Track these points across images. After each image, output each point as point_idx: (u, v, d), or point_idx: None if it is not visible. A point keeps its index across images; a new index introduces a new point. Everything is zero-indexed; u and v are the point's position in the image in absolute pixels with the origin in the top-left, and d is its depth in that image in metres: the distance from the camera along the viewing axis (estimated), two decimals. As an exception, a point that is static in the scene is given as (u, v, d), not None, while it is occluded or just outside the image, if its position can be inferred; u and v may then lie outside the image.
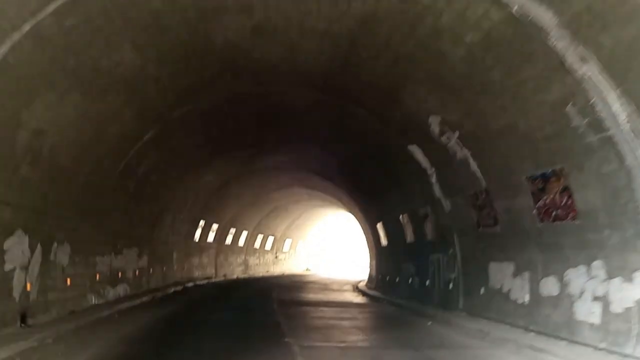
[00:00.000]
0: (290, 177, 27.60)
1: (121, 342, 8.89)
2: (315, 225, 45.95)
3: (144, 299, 15.54)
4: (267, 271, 39.20)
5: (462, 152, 11.76)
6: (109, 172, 12.86)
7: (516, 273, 10.73)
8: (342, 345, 9.12)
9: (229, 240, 31.72)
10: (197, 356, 7.89)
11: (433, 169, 13.76)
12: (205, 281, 25.50)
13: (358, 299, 20.27)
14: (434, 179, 13.94)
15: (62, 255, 10.97)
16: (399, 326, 12.01)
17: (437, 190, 14.06)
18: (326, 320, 12.56)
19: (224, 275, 30.51)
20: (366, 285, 27.60)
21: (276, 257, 41.14)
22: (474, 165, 11.64)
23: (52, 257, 10.51)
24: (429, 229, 15.66)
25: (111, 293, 14.23)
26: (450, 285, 13.97)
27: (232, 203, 28.78)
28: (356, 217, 28.83)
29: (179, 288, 20.34)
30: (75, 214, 11.63)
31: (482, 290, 12.12)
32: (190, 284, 22.57)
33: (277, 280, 31.85)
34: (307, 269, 46.20)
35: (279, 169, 25.12)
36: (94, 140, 10.99)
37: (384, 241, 21.81)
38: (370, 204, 22.16)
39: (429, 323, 12.35)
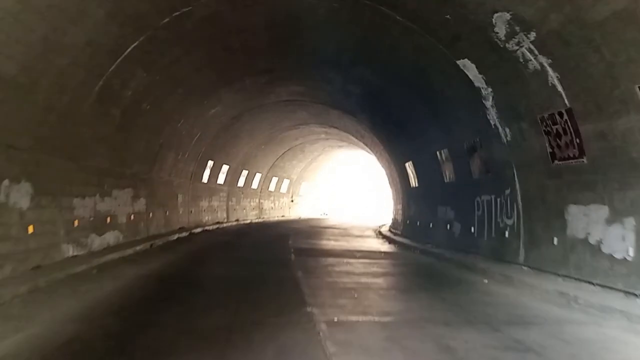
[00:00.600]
0: (307, 114, 24.73)
1: (75, 317, 6.29)
2: (333, 168, 43.36)
3: (139, 248, 13.19)
4: (283, 216, 37.03)
5: (537, 62, 8.79)
6: (81, 93, 10.13)
7: (612, 219, 7.99)
8: (386, 320, 6.57)
9: (241, 182, 29.31)
10: (181, 341, 5.42)
11: (489, 89, 10.81)
12: (215, 226, 23.25)
13: (385, 246, 17.82)
14: (489, 102, 11.01)
15: (17, 196, 8.44)
16: (448, 285, 9.45)
17: (493, 116, 11.17)
18: (355, 277, 10.07)
19: (237, 220, 28.30)
20: (389, 230, 25.19)
21: (292, 200, 38.87)
22: (552, 78, 8.69)
23: (1, 198, 8.01)
24: (476, 165, 12.88)
25: (97, 242, 11.86)
26: (506, 233, 11.32)
27: (243, 142, 26.13)
28: (379, 157, 26.09)
29: (184, 234, 18.04)
30: (36, 145, 9.04)
31: (555, 241, 9.43)
32: (197, 230, 20.30)
33: (293, 225, 29.60)
34: (324, 213, 44.04)
35: (295, 103, 22.22)
36: (50, 43, 8.22)
37: (413, 182, 19.12)
38: (398, 141, 19.33)
39: (485, 281, 9.81)
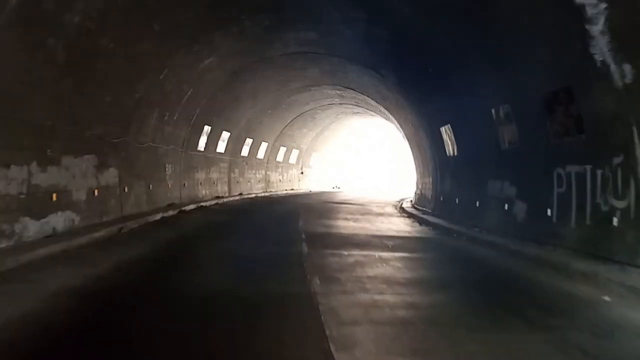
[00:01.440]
0: (319, 72, 21.00)
1: None
2: (347, 137, 39.69)
3: (99, 234, 9.79)
4: (292, 189, 33.62)
5: None
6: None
7: None
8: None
9: (245, 151, 25.81)
10: None
11: (602, 5, 7.13)
12: (213, 202, 19.85)
13: (417, 229, 14.33)
14: (598, 26, 7.29)
15: None
16: (550, 307, 5.89)
17: (600, 48, 7.45)
18: (400, 287, 6.61)
19: (240, 194, 24.91)
20: (414, 207, 21.71)
21: (301, 172, 35.40)
22: None
23: None
24: (558, 123, 9.22)
25: (32, 229, 8.45)
26: (615, 220, 7.78)
27: (246, 106, 22.52)
28: (403, 123, 22.41)
29: (171, 213, 14.65)
30: None
31: None
32: (191, 207, 16.91)
33: (304, 200, 26.14)
34: (336, 187, 40.57)
35: (305, 56, 18.49)
36: None
37: (451, 150, 15.50)
38: (433, 100, 15.62)
39: (607, 299, 6.31)
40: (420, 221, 16.05)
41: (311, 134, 34.01)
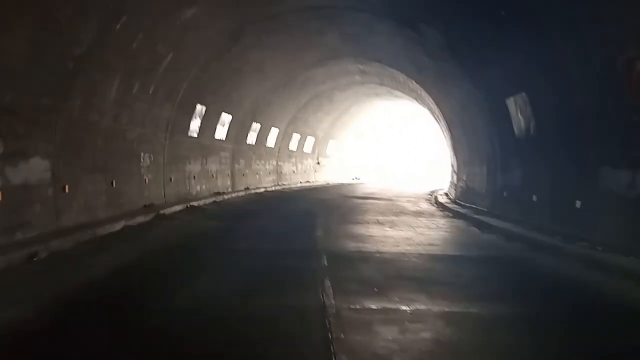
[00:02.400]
0: (339, 37, 16.73)
1: None
2: (367, 123, 35.37)
3: (-19, 268, 5.85)
4: (307, 181, 29.49)
5: None
6: None
7: None
8: None
9: (251, 139, 21.71)
10: None
11: None
12: (209, 200, 15.79)
13: (481, 239, 10.08)
14: None
15: None
16: None
17: None
18: None
19: (246, 189, 20.84)
20: (456, 202, 17.48)
21: (317, 162, 31.25)
22: None
23: None
24: None
25: None
26: None
27: (251, 82, 18.38)
28: (440, 100, 18.08)
29: (141, 220, 10.54)
30: None
31: None
32: (176, 208, 12.87)
33: (321, 194, 21.98)
34: (355, 178, 36.34)
35: (321, 13, 14.26)
36: None
37: (523, 128, 11.21)
38: (498, 62, 11.30)
39: None
40: (479, 225, 11.80)
41: (328, 119, 29.80)
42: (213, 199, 16.15)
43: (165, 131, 13.54)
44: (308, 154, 29.71)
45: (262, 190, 21.97)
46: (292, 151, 27.36)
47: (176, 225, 10.54)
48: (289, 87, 21.77)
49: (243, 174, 21.16)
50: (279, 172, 25.93)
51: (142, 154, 12.18)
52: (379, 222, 12.18)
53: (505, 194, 12.58)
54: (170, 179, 14.06)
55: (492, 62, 11.47)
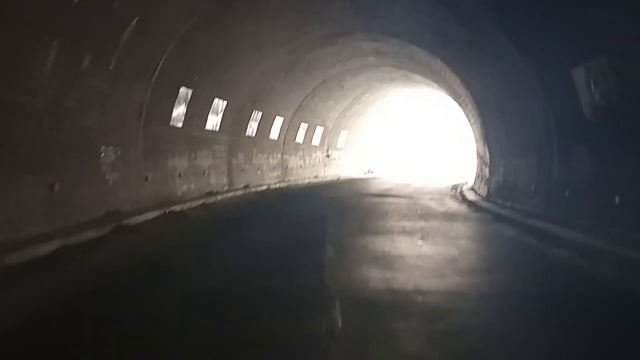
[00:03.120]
0: (350, 5, 13.95)
1: None
2: (381, 112, 32.42)
3: None
4: (316, 176, 26.72)
5: None
6: None
7: None
8: None
9: (251, 130, 18.99)
10: None
11: None
12: (198, 202, 13.10)
13: (570, 260, 7.28)
14: None
15: None
16: None
17: None
18: None
19: (245, 187, 18.15)
20: (489, 200, 14.74)
21: (327, 156, 28.46)
22: None
23: None
24: None
25: None
26: None
27: (248, 62, 15.64)
28: (471, 79, 15.22)
29: (92, 236, 7.81)
30: None
31: None
32: (149, 215, 10.16)
33: (331, 192, 19.24)
34: (369, 171, 33.50)
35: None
36: None
37: (594, 108, 8.36)
38: (546, 21, 8.44)
39: None
40: (535, 234, 8.96)
41: (338, 108, 26.96)
42: (203, 200, 13.46)
43: (137, 119, 10.86)
44: (317, 146, 26.93)
45: (264, 187, 19.26)
46: (298, 143, 24.60)
47: (133, 245, 7.78)
48: (293, 71, 18.98)
49: (242, 170, 18.46)
50: (284, 167, 23.20)
51: (102, 148, 9.50)
52: (405, 232, 9.42)
53: (567, 192, 9.73)
54: (147, 177, 11.39)
55: (552, 19, 8.59)
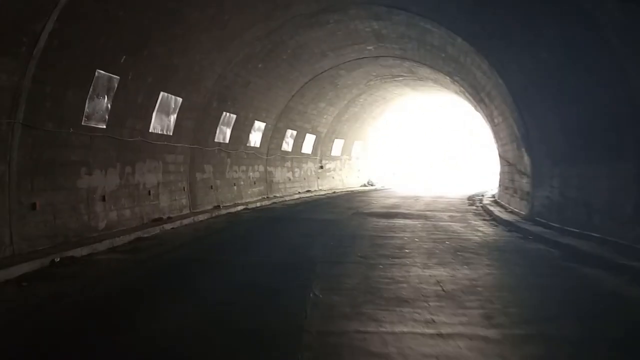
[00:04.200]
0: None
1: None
2: (382, 115, 28.28)
3: None
4: (308, 190, 22.59)
5: None
6: None
7: None
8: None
9: (223, 135, 14.89)
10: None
11: None
12: (130, 238, 8.88)
13: None
14: None
15: None
16: None
17: None
18: None
19: (215, 208, 14.01)
20: (534, 219, 10.71)
21: (321, 167, 24.34)
22: None
23: None
24: None
25: None
26: None
27: (207, 41, 11.56)
28: (504, 64, 11.18)
29: None
30: None
31: None
32: (12, 273, 6.08)
33: (325, 213, 15.11)
34: (368, 183, 29.37)
35: None
36: None
37: None
38: None
39: None
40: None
41: (332, 111, 22.91)
42: (139, 233, 9.29)
43: (9, 115, 6.74)
44: (308, 155, 22.82)
45: (240, 208, 15.11)
46: (286, 152, 20.50)
47: None
48: (273, 62, 14.94)
49: (211, 187, 14.33)
50: (268, 181, 19.07)
51: None
52: (446, 294, 5.28)
53: None
54: (34, 205, 7.24)
55: None
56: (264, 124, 17.63)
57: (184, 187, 12.64)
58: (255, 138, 17.33)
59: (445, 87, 20.89)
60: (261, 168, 18.37)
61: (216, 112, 13.95)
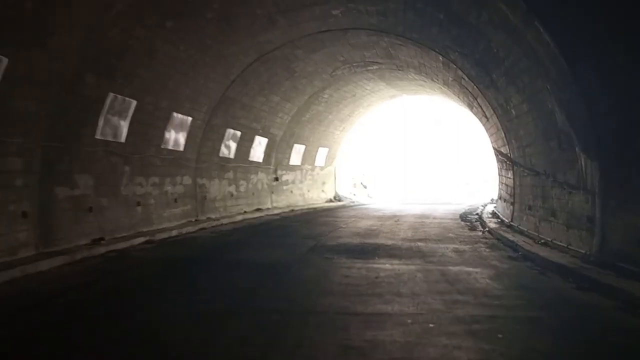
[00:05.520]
0: None
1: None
2: (351, 116, 23.29)
3: None
4: (259, 209, 17.44)
5: None
6: None
7: None
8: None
9: (111, 131, 9.64)
10: None
11: None
12: None
13: None
14: None
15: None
16: None
17: None
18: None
19: (98, 241, 8.77)
20: (611, 266, 5.79)
21: (276, 178, 19.23)
22: None
23: None
24: None
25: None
26: None
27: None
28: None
29: None
30: None
31: None
32: None
33: (275, 246, 10.07)
34: (335, 198, 24.40)
35: None
36: None
37: None
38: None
39: None
40: None
41: (289, 108, 17.93)
42: None
43: None
44: (258, 164, 17.72)
45: (140, 240, 9.86)
46: (226, 159, 15.37)
47: None
48: (190, 16, 9.84)
49: (90, 209, 9.08)
50: (200, 198, 13.87)
51: None
52: None
53: None
54: None
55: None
56: (190, 118, 12.51)
57: (23, 212, 7.36)
58: (176, 138, 12.18)
59: (431, 79, 16.30)
60: (187, 180, 13.19)
61: (94, 91, 8.76)
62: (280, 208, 18.64)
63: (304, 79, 16.64)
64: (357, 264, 7.69)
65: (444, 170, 31.61)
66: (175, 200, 12.52)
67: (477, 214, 17.15)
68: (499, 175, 15.78)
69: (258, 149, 17.28)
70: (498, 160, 14.90)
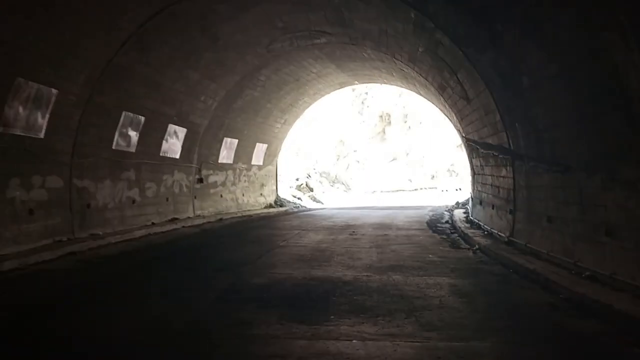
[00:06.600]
0: None
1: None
2: (296, 105, 19.41)
3: None
4: (174, 219, 13.28)
5: None
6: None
7: None
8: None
9: None
10: None
11: None
12: None
13: None
14: None
15: None
16: None
17: None
18: None
19: None
20: None
21: (200, 180, 15.09)
22: None
23: None
24: None
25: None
26: None
27: None
28: None
29: None
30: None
31: None
32: None
33: (149, 300, 6.07)
34: (276, 203, 20.51)
35: None
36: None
37: None
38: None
39: None
40: None
41: (215, 90, 13.92)
42: None
43: None
44: (174, 161, 13.57)
45: None
46: (123, 153, 11.15)
47: None
48: None
49: None
50: (77, 207, 9.61)
51: None
52: None
53: None
54: None
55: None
56: (53, 90, 8.31)
57: None
58: (27, 117, 7.95)
59: (392, 56, 12.87)
60: (54, 181, 8.94)
61: None
62: (205, 217, 14.58)
63: (232, 52, 12.71)
64: (298, 340, 3.94)
65: (398, 170, 28.48)
66: (31, 212, 8.27)
67: (446, 221, 13.93)
68: (477, 174, 12.55)
69: (173, 142, 13.17)
70: (479, 156, 11.62)
